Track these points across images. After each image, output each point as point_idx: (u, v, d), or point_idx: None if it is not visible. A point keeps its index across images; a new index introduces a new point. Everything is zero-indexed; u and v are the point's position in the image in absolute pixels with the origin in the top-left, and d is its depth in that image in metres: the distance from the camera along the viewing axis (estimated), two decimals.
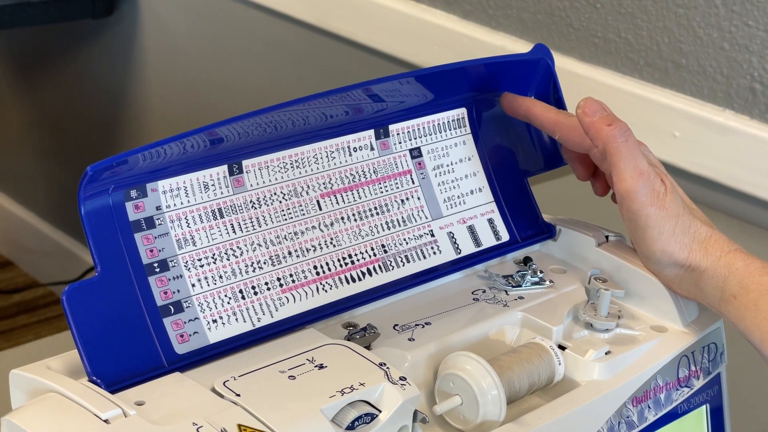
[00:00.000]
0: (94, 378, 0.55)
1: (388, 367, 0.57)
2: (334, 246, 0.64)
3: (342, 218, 0.65)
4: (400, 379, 0.56)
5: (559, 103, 0.75)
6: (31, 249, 2.67)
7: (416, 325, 0.63)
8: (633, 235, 0.71)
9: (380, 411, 0.56)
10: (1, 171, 2.73)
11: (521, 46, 1.46)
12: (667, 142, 1.46)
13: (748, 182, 1.39)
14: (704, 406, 0.69)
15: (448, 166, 0.70)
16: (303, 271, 0.63)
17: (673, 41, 1.45)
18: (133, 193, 0.58)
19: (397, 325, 0.63)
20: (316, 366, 0.57)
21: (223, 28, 2.04)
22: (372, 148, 0.67)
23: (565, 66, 1.46)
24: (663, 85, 1.47)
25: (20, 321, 2.46)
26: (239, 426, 0.52)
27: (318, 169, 0.65)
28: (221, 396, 0.54)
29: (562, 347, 0.64)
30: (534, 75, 0.73)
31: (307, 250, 0.63)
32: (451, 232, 0.69)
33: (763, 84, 1.37)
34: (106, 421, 0.52)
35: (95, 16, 2.18)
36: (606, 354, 0.64)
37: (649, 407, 0.65)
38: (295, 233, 0.63)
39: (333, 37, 1.85)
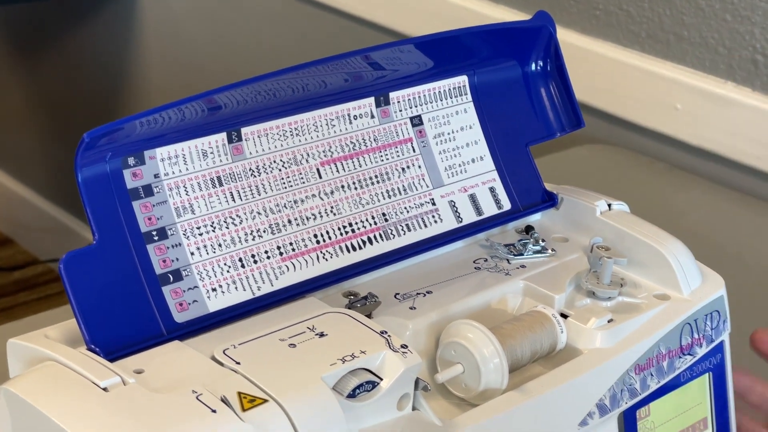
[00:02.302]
0: (93, 346, 0.55)
1: (389, 335, 0.57)
2: (335, 214, 0.65)
3: (342, 186, 0.65)
4: (402, 347, 0.56)
5: (560, 71, 0.75)
6: (31, 226, 2.67)
7: (417, 293, 0.64)
8: None
9: (381, 379, 0.55)
10: (0, 149, 2.73)
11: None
12: (669, 114, 1.45)
13: (750, 154, 1.39)
14: (707, 374, 0.69)
15: (449, 134, 0.70)
16: (303, 240, 0.63)
17: (675, 13, 1.44)
18: (131, 161, 0.57)
19: (398, 293, 0.63)
20: (316, 334, 0.57)
21: (221, 2, 2.03)
22: (372, 116, 0.67)
23: (566, 39, 1.46)
24: (665, 57, 1.47)
25: (20, 298, 2.47)
26: (239, 394, 0.52)
27: (318, 137, 0.65)
28: (221, 364, 0.54)
29: (564, 315, 0.64)
30: (536, 42, 0.73)
31: (307, 219, 0.63)
32: (452, 201, 0.69)
33: (765, 56, 1.37)
34: (104, 389, 0.52)
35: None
36: (608, 322, 0.64)
37: (651, 375, 0.65)
38: (295, 201, 0.63)
39: (332, 11, 1.85)
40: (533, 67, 0.73)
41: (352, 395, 0.54)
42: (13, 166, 2.72)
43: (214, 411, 0.51)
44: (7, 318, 2.32)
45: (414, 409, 0.57)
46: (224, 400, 0.51)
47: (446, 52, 0.70)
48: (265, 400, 0.52)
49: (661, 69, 1.47)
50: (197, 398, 0.51)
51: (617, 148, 1.52)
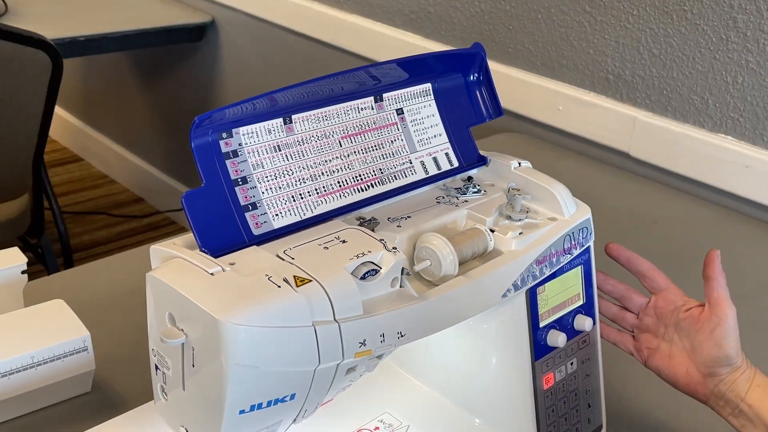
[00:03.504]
0: (203, 249, 0.56)
1: (385, 242, 0.58)
2: (349, 169, 0.64)
3: (354, 152, 0.65)
4: (393, 248, 0.58)
5: (488, 80, 0.73)
6: (154, 190, 2.68)
7: (401, 218, 0.64)
8: (708, 338, 0.66)
9: (380, 268, 0.57)
10: (135, 141, 2.73)
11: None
12: (554, 113, 1.49)
13: (603, 137, 1.44)
14: (580, 266, 0.69)
15: (420, 120, 0.70)
16: (331, 185, 0.63)
17: (558, 50, 1.48)
18: (224, 135, 0.58)
19: (390, 217, 0.64)
20: (341, 241, 0.58)
21: (276, 49, 2.05)
22: (372, 108, 0.67)
23: (490, 66, 1.48)
24: (552, 77, 1.51)
25: (148, 236, 2.49)
26: (294, 276, 0.53)
27: (339, 121, 0.65)
28: (282, 259, 0.55)
29: (492, 230, 0.64)
30: (473, 62, 0.72)
31: (333, 172, 0.63)
32: (422, 161, 0.69)
33: (614, 76, 1.41)
34: (211, 274, 0.53)
35: (191, 40, 2.18)
36: (519, 234, 0.64)
37: (545, 266, 0.66)
38: (325, 161, 0.63)
39: (340, 50, 1.86)
40: (471, 77, 0.72)
41: (363, 278, 0.56)
42: (142, 152, 2.72)
43: (279, 286, 0.52)
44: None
45: (401, 286, 0.58)
46: (285, 280, 0.53)
47: (418, 68, 0.69)
48: (310, 280, 0.53)
49: (549, 84, 1.50)
50: (269, 279, 0.53)
51: (522, 135, 1.54)
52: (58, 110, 3.06)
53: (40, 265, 1.81)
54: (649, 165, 1.38)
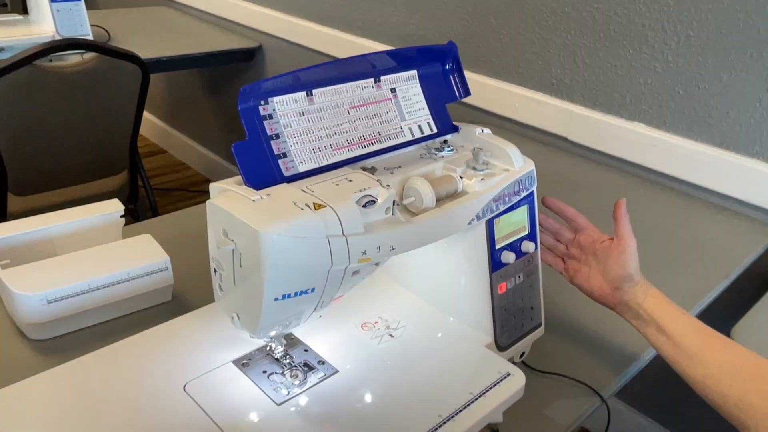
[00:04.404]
0: (248, 184, 0.55)
1: (381, 181, 0.58)
2: (356, 131, 0.63)
3: (359, 118, 0.64)
4: (387, 186, 0.57)
5: (459, 68, 0.70)
6: (218, 172, 2.67)
7: (394, 168, 0.63)
8: (616, 262, 0.66)
9: (377, 199, 0.56)
10: (203, 136, 2.73)
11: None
12: (513, 108, 1.48)
13: (550, 125, 1.42)
14: (526, 205, 0.69)
15: (408, 97, 0.68)
16: (341, 143, 0.62)
17: (515, 61, 1.46)
18: (262, 102, 0.57)
19: (386, 168, 0.63)
20: (348, 180, 0.57)
21: (307, 65, 2.03)
22: (372, 87, 0.65)
23: (465, 75, 1.47)
24: (510, 81, 1.49)
25: (201, 197, 2.49)
26: (314, 203, 0.53)
27: (348, 95, 0.63)
28: (305, 192, 0.55)
29: (461, 177, 0.64)
30: (448, 56, 0.70)
31: (343, 132, 0.62)
32: (410, 127, 0.68)
33: (556, 80, 1.39)
34: (253, 200, 0.53)
35: (244, 60, 2.16)
36: (481, 180, 0.64)
37: (500, 203, 0.66)
38: (337, 124, 0.62)
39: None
40: (447, 66, 0.71)
41: (364, 206, 0.56)
42: (209, 144, 2.71)
43: (302, 209, 0.52)
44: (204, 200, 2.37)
45: (392, 214, 0.58)
46: (307, 206, 0.53)
47: (407, 59, 0.68)
48: (325, 206, 0.53)
49: (508, 87, 1.48)
50: (295, 204, 0.53)
51: (488, 125, 1.53)
52: (147, 114, 3.06)
53: None
54: (582, 146, 1.37)
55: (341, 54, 1.87)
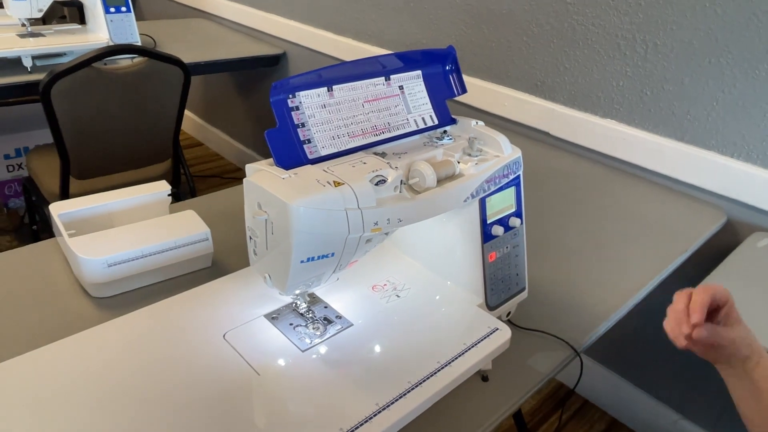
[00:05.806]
0: (278, 165, 0.56)
1: (390, 164, 0.58)
2: (369, 122, 0.63)
3: (372, 111, 0.63)
4: (396, 168, 0.58)
5: (457, 69, 0.69)
6: (248, 162, 2.67)
7: (402, 153, 0.63)
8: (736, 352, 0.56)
9: (387, 179, 0.57)
10: (235, 131, 2.72)
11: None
12: (502, 107, 1.47)
13: (533, 122, 1.41)
14: (513, 186, 0.69)
15: (413, 93, 0.67)
16: (357, 131, 0.61)
17: (505, 66, 1.45)
18: (291, 95, 0.57)
19: (394, 153, 0.62)
20: (362, 163, 0.57)
21: (315, 63, 2.01)
22: (383, 84, 0.65)
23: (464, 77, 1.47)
24: (501, 84, 1.48)
25: (232, 183, 2.48)
26: (334, 181, 0.54)
27: (362, 91, 0.63)
28: (326, 172, 0.55)
29: (458, 162, 0.64)
30: (448, 58, 0.69)
31: (358, 123, 0.62)
32: (414, 119, 0.67)
33: (540, 82, 1.39)
34: (283, 178, 0.54)
35: (270, 65, 2.14)
36: (475, 164, 0.64)
37: (491, 184, 0.65)
38: (354, 116, 0.61)
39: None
40: (446, 67, 0.69)
41: (376, 184, 0.56)
42: (241, 138, 2.71)
43: (324, 186, 0.53)
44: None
45: (400, 192, 0.58)
46: (328, 183, 0.54)
47: (412, 60, 0.67)
48: (344, 184, 0.54)
49: (499, 89, 1.47)
50: (318, 182, 0.54)
51: (481, 122, 1.53)
52: (187, 112, 3.06)
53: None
54: (562, 140, 1.37)
55: (353, 58, 1.87)
